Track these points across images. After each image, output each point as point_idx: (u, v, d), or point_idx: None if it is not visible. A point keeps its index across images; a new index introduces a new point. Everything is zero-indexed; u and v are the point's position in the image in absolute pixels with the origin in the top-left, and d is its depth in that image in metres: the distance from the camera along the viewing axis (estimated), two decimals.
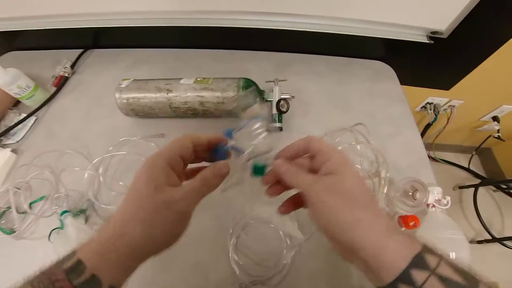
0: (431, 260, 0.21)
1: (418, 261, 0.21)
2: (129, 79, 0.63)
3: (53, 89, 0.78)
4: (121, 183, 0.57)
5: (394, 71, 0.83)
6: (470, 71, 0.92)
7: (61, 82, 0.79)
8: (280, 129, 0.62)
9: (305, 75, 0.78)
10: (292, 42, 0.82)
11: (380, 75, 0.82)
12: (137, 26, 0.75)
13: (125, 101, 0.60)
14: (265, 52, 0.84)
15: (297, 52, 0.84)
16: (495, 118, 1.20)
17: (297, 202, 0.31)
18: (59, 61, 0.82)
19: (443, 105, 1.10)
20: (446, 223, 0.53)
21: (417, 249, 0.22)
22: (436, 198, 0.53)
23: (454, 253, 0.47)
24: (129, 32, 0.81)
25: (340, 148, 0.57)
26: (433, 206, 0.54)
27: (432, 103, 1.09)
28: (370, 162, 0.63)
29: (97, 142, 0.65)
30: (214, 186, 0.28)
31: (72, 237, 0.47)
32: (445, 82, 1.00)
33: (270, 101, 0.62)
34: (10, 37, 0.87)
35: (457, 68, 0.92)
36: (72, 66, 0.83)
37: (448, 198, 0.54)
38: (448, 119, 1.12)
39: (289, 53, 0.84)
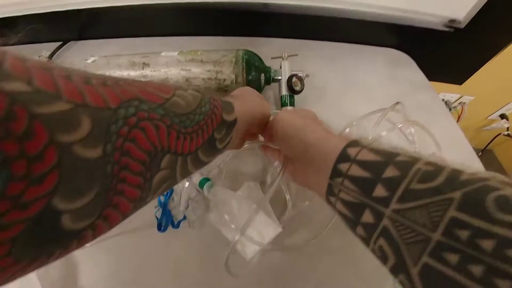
0: (363, 141, 0.20)
1: (352, 143, 0.20)
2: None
3: None
4: None
5: (411, 59, 0.64)
6: (484, 63, 0.74)
7: None
8: None
9: (315, 59, 0.58)
10: (299, 27, 0.63)
11: (398, 61, 0.62)
12: (121, 6, 0.56)
13: None
14: (266, 38, 0.64)
15: (303, 38, 0.65)
16: (503, 116, 1.00)
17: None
18: (39, 54, 0.63)
19: (454, 102, 0.90)
20: None
21: (351, 139, 0.21)
22: None
23: None
24: (114, 16, 0.63)
25: (384, 133, 0.36)
26: None
27: (443, 99, 0.90)
28: None
29: None
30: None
31: None
32: (459, 75, 0.81)
33: (278, 80, 0.42)
34: None
35: (472, 60, 0.74)
36: (51, 57, 0.64)
37: None
38: (459, 117, 0.93)
39: (294, 39, 0.64)
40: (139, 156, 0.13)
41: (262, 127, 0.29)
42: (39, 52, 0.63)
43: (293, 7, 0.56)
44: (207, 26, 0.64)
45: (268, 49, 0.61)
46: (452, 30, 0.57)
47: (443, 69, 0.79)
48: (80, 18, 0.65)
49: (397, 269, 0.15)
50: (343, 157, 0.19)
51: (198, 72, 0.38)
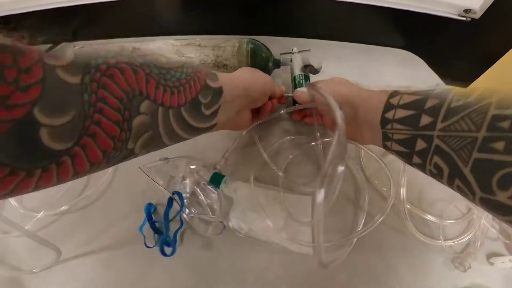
0: (401, 90, 0.22)
1: (393, 93, 0.23)
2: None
3: None
4: None
5: (422, 60, 0.59)
6: (495, 61, 0.69)
7: None
8: None
9: (322, 57, 0.52)
10: (298, 22, 0.58)
11: (409, 61, 0.57)
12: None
13: None
14: (267, 37, 0.59)
15: (305, 37, 0.59)
16: None
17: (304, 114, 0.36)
18: None
19: None
20: None
21: (391, 90, 0.23)
22: None
23: None
24: (109, 15, 0.57)
25: None
26: None
27: None
28: None
29: None
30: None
31: None
32: (466, 74, 0.76)
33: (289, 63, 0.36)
34: None
35: (483, 56, 0.69)
36: None
37: None
38: None
39: (296, 38, 0.59)
40: (115, 92, 0.14)
41: (264, 101, 0.29)
42: None
43: None
44: (209, 24, 0.59)
45: (275, 47, 0.55)
46: (469, 19, 0.52)
47: (449, 67, 0.74)
48: (74, 18, 0.59)
49: (452, 176, 0.17)
50: (388, 107, 0.22)
51: (192, 50, 0.31)
